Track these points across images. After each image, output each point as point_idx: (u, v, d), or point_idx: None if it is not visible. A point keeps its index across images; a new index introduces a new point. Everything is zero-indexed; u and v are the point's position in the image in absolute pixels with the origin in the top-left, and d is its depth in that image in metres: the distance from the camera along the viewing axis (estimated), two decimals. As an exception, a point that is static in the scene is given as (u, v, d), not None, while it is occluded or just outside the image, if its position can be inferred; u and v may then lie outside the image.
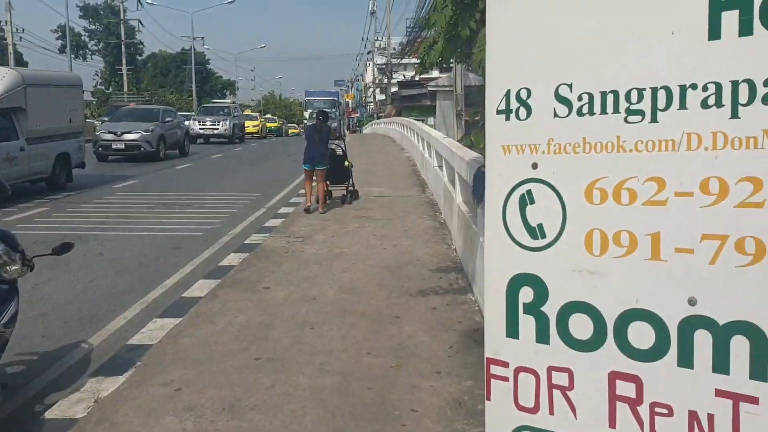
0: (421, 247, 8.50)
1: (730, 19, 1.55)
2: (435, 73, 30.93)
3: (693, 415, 1.66)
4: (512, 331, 1.94)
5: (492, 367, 2.00)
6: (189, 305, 5.90)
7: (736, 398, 1.59)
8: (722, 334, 1.60)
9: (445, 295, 6.58)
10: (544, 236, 1.86)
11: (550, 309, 1.87)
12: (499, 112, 1.93)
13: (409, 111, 37.35)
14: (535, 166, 1.87)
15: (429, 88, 35.21)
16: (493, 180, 1.96)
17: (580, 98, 1.78)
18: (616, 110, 1.72)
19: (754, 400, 1.57)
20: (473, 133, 6.60)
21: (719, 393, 1.62)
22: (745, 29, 1.53)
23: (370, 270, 7.34)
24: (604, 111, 1.74)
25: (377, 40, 70.36)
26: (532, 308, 1.90)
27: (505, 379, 1.97)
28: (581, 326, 1.82)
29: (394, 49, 53.93)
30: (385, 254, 8.11)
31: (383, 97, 62.91)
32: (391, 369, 4.54)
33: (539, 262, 1.88)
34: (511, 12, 1.89)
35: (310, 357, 4.70)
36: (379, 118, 53.50)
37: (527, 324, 1.91)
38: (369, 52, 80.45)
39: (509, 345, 1.96)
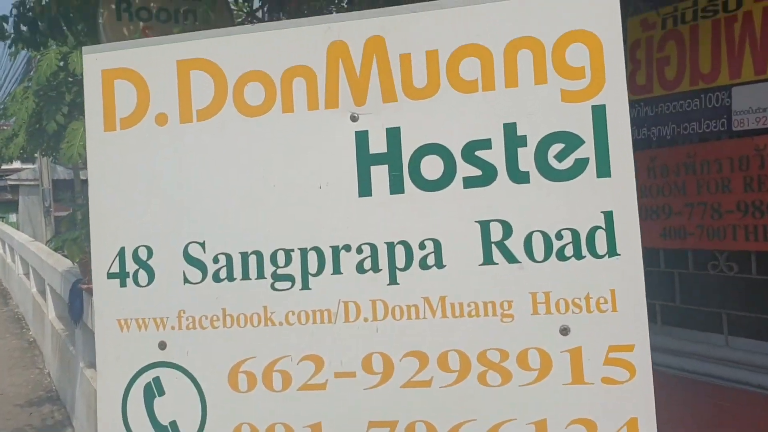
0: (5, 376, 7.16)
1: (379, 174, 1.39)
2: (16, 164, 27.73)
3: None
4: None
5: None
6: None
7: None
8: None
9: (38, 437, 5.56)
10: (179, 437, 1.44)
11: None
12: (111, 275, 1.47)
13: (-14, 207, 33.02)
14: (163, 345, 1.45)
15: (9, 182, 31.47)
16: (107, 367, 1.47)
17: (215, 260, 1.44)
18: (260, 275, 1.42)
19: None
20: (66, 245, 5.78)
21: None
22: (396, 186, 1.38)
23: (-67, 418, 5.85)
24: (246, 276, 1.42)
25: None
26: None
27: None
28: None
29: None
30: (-45, 392, 6.60)
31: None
32: None
33: None
34: (120, 155, 1.48)
35: None
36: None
37: None
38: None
39: None
